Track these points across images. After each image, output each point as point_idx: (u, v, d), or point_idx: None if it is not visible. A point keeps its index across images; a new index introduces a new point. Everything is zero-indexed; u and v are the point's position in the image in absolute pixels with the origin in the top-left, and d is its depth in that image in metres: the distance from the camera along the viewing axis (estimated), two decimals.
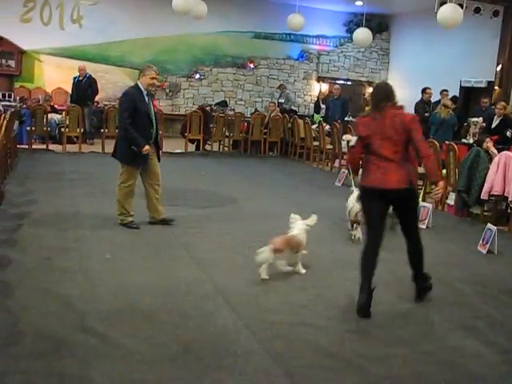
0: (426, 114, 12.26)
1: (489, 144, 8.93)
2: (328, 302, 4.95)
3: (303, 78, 19.48)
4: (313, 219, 5.81)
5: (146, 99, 6.81)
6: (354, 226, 6.89)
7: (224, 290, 5.09)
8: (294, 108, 18.37)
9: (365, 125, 4.79)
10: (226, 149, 15.36)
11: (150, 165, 6.98)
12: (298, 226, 5.70)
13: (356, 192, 6.50)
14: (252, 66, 18.81)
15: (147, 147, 6.70)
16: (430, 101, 13.20)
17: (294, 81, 19.35)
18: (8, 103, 14.20)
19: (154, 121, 6.87)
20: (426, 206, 8.13)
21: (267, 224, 7.56)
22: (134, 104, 6.68)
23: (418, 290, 5.08)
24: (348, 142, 9.45)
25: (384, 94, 4.82)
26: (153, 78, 6.81)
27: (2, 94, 15.24)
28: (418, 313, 4.88)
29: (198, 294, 4.98)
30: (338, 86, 15.77)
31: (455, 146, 9.14)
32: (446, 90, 13.63)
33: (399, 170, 4.64)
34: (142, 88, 6.78)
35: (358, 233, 6.78)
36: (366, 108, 19.34)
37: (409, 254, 4.97)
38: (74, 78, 14.70)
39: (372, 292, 4.59)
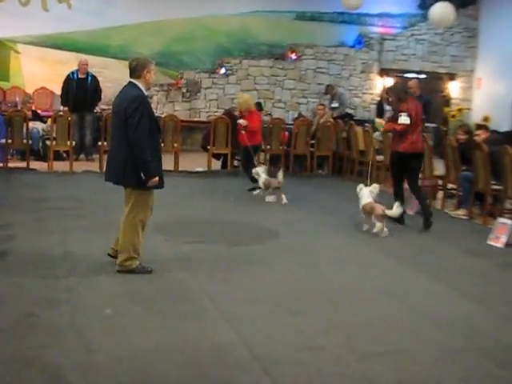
0: None
1: None
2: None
3: (361, 72, 19.48)
4: (375, 186, 9.53)
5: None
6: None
7: (263, 357, 5.02)
8: (349, 111, 18.32)
9: None
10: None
11: None
12: (366, 194, 9.32)
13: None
14: (294, 56, 18.89)
15: (157, 179, 6.79)
16: None
17: (350, 75, 19.38)
18: None
19: (161, 130, 7.06)
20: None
21: (317, 266, 7.51)
22: (150, 112, 6.84)
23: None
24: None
25: None
26: (154, 74, 7.04)
27: None
28: None
29: (229, 362, 4.91)
30: (415, 80, 15.56)
31: None
32: None
33: None
34: (143, 89, 6.90)
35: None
36: (446, 109, 19.33)
37: None
38: (72, 74, 14.80)
39: None
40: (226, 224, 9.56)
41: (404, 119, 9.58)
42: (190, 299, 6.29)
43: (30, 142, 13.80)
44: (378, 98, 17.80)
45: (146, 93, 6.95)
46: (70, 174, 13.18)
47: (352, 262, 7.82)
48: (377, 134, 14.12)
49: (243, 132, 12.20)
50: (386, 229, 9.06)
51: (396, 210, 9.06)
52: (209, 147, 14.39)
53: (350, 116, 17.34)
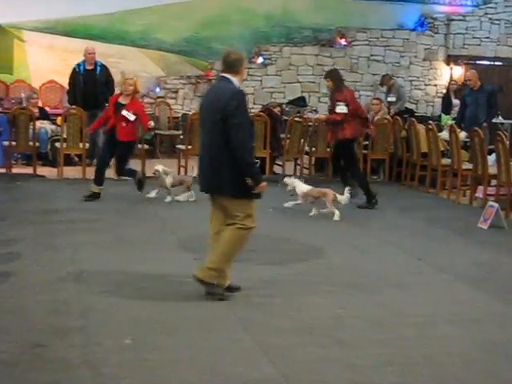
0: None
1: None
2: None
3: (424, 59, 19.44)
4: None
5: None
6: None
7: None
8: (409, 106, 18.26)
9: None
10: (305, 171, 15.39)
11: None
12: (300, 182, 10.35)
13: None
14: (344, 42, 18.91)
15: (264, 184, 7.01)
16: None
17: (410, 64, 19.34)
18: None
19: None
20: None
21: (371, 289, 7.52)
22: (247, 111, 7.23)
23: None
24: None
25: None
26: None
27: None
28: None
29: None
30: (473, 71, 15.49)
31: None
32: None
33: None
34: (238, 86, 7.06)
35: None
36: None
37: None
38: (78, 66, 14.94)
39: None
40: (261, 240, 9.57)
41: (341, 109, 11.68)
42: (221, 327, 6.32)
43: (37, 144, 13.90)
44: (445, 91, 17.70)
45: None
46: (83, 180, 13.24)
47: (413, 285, 7.80)
48: (443, 133, 14.15)
49: (124, 124, 11.69)
50: (337, 211, 10.84)
51: (346, 195, 11.08)
52: None
53: (410, 112, 17.28)
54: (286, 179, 11.56)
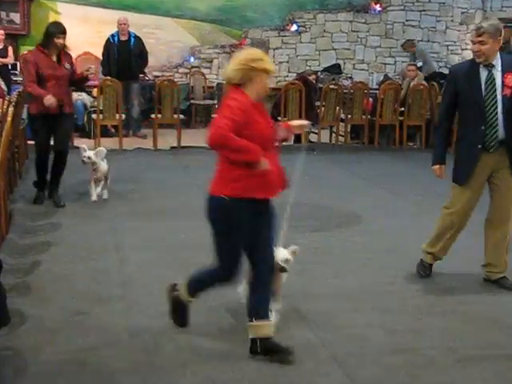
0: None
1: None
2: None
3: (460, 23, 19.25)
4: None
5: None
6: None
7: (347, 362, 5.08)
8: (445, 72, 18.15)
9: None
10: (340, 139, 15.39)
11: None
12: None
13: None
14: (378, 7, 18.79)
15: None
16: None
17: (447, 28, 19.18)
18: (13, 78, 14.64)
19: (498, 111, 6.50)
20: None
21: (411, 256, 7.52)
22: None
23: None
24: None
25: None
26: (472, 43, 6.50)
27: (3, 65, 15.09)
28: None
29: (306, 364, 4.99)
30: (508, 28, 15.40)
31: None
32: None
33: None
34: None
35: None
36: None
37: None
38: (112, 37, 14.98)
39: None
40: (299, 207, 9.55)
41: None
42: None
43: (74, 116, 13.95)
44: None
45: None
46: (120, 151, 13.34)
47: (451, 249, 7.79)
48: None
49: None
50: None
51: None
52: (279, 118, 14.43)
53: (446, 78, 17.14)
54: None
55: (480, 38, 6.23)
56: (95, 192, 9.34)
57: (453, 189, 6.95)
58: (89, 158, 9.28)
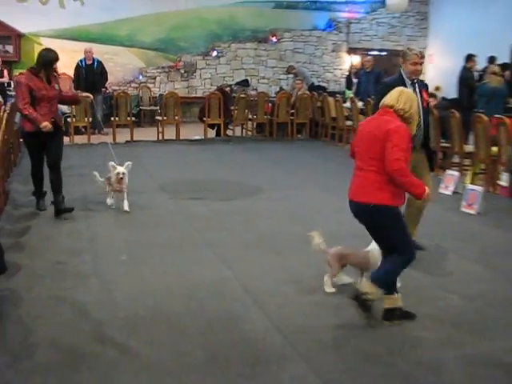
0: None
1: None
2: None
3: (332, 51, 19.39)
4: None
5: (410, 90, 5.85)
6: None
7: (252, 290, 5.13)
8: (322, 85, 18.34)
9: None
10: (249, 133, 15.43)
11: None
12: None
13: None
14: (274, 39, 18.78)
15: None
16: (476, 70, 13.14)
17: (322, 54, 19.28)
18: (8, 93, 14.34)
19: (421, 119, 5.99)
20: (474, 190, 8.05)
21: (297, 215, 7.60)
22: None
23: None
24: None
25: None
26: (415, 64, 5.98)
27: (0, 83, 15.07)
28: (470, 308, 4.86)
29: (225, 295, 5.02)
30: (369, 57, 15.64)
31: (506, 120, 9.03)
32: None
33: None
34: (405, 76, 6.02)
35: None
36: None
37: None
38: (80, 61, 14.79)
39: None
40: (219, 183, 9.61)
41: None
42: (192, 246, 6.37)
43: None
44: (347, 73, 17.74)
45: (407, 80, 6.00)
46: (89, 145, 13.14)
47: (327, 208, 7.89)
48: (347, 103, 14.22)
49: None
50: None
51: None
52: (204, 119, 14.40)
53: (323, 89, 17.35)
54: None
55: (422, 60, 5.99)
56: (112, 199, 7.73)
57: None
58: (123, 173, 7.53)
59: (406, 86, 5.76)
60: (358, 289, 4.51)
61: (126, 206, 7.50)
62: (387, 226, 4.46)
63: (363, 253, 5.10)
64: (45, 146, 7.32)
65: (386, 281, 4.51)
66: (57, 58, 7.35)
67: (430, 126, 6.36)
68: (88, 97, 8.11)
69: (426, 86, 6.33)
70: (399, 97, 4.49)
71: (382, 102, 4.58)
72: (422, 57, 6.05)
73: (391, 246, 4.50)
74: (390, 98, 4.53)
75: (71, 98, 8.49)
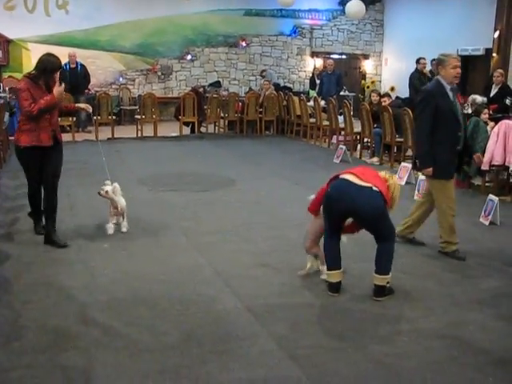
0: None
1: (484, 116, 8.96)
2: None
3: (297, 54, 19.37)
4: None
5: (451, 95, 5.65)
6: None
7: (224, 274, 5.14)
8: (288, 85, 18.37)
9: None
10: (221, 130, 15.36)
11: None
12: None
13: None
14: (244, 44, 18.70)
15: (430, 169, 5.68)
16: (426, 71, 13.30)
17: (288, 57, 19.25)
18: None
19: (461, 122, 5.71)
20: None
21: (266, 205, 7.62)
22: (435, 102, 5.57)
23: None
24: None
25: None
26: (456, 67, 5.57)
27: None
28: (419, 287, 4.92)
29: (199, 279, 5.02)
30: (331, 60, 15.71)
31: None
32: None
33: None
34: (444, 83, 5.61)
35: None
36: (362, 82, 19.41)
37: None
38: (65, 65, 14.54)
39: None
40: (193, 176, 9.58)
41: None
42: (169, 234, 6.35)
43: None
44: (311, 74, 17.80)
45: (447, 85, 5.62)
46: (73, 142, 12.92)
47: (291, 199, 7.92)
48: (310, 102, 14.25)
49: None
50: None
51: None
52: (180, 117, 14.31)
53: (289, 89, 17.38)
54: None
55: (460, 63, 5.56)
56: (112, 226, 6.36)
57: (438, 184, 5.69)
58: (106, 192, 6.37)
59: (446, 92, 5.54)
60: (376, 284, 4.68)
61: (123, 227, 6.41)
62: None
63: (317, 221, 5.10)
64: (43, 161, 5.94)
65: (390, 266, 4.70)
66: (60, 66, 5.90)
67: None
68: (86, 109, 6.86)
69: (458, 89, 5.95)
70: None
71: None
72: (460, 61, 5.60)
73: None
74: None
75: (70, 110, 7.32)
